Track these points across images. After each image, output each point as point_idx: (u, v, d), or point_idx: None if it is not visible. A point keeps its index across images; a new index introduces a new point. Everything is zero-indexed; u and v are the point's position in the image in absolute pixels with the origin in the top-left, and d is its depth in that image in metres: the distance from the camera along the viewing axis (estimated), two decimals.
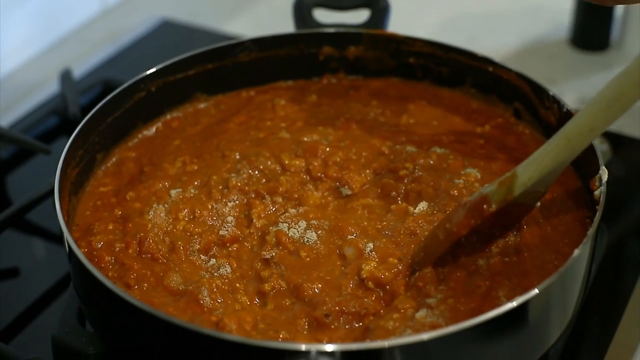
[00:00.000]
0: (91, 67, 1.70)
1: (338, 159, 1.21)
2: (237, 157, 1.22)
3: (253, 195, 1.16)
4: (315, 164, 1.20)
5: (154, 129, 1.30)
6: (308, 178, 1.19)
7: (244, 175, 1.18)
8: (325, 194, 1.17)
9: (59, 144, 1.49)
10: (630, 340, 1.17)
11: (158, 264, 1.07)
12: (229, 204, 1.15)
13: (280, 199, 1.15)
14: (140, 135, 1.28)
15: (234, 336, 0.93)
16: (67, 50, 1.79)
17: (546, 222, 1.09)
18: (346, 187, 1.17)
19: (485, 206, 1.03)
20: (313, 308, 1.01)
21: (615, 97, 0.97)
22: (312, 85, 1.38)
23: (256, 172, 1.19)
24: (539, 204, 1.08)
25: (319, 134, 1.26)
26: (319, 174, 1.19)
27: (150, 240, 1.09)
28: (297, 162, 1.20)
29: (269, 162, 1.20)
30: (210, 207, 1.14)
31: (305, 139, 1.24)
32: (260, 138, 1.25)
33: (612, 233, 1.32)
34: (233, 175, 1.18)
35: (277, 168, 1.20)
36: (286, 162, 1.20)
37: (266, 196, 1.16)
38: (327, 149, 1.22)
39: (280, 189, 1.16)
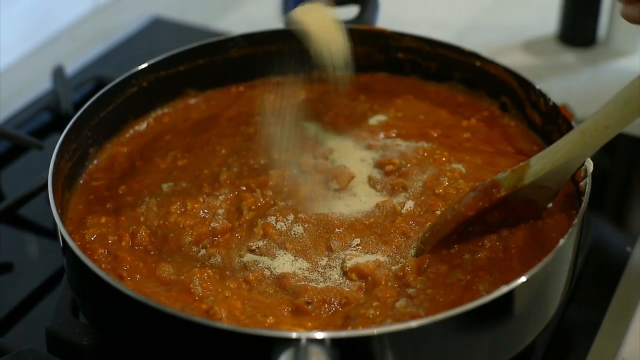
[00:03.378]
0: (83, 64, 1.71)
1: (327, 154, 1.22)
2: (227, 151, 1.23)
3: (244, 189, 1.17)
4: (305, 158, 1.21)
5: (145, 124, 1.31)
6: (297, 172, 1.20)
7: (235, 170, 1.19)
8: (314, 188, 1.18)
9: (51, 140, 1.50)
10: (617, 331, 1.18)
11: (150, 256, 1.08)
12: (219, 197, 1.16)
13: (270, 192, 1.17)
14: (131, 131, 1.29)
15: (226, 324, 0.94)
16: (60, 47, 1.80)
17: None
18: (334, 181, 1.18)
19: (494, 190, 1.05)
20: (295, 296, 1.03)
21: (631, 98, 0.98)
22: (300, 80, 1.39)
23: (246, 167, 1.20)
24: (550, 204, 1.09)
25: (308, 128, 1.27)
26: (308, 168, 1.20)
27: (143, 233, 1.10)
28: (287, 157, 1.21)
29: (259, 157, 1.21)
30: (201, 200, 1.15)
31: (294, 134, 1.26)
32: (250, 133, 1.27)
33: (599, 225, 1.33)
34: (224, 169, 1.20)
35: (267, 162, 1.21)
36: (276, 156, 1.21)
37: (256, 190, 1.17)
38: (316, 144, 1.24)
39: (270, 183, 1.17)
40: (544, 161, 1.04)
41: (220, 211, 1.14)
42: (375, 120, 1.30)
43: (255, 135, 1.26)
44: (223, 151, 1.23)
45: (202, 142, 1.26)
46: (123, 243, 1.09)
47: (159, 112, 1.33)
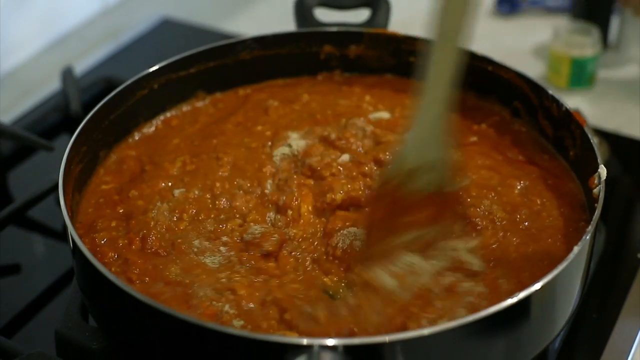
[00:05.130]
0: (92, 65, 1.71)
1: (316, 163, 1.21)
2: (230, 160, 1.22)
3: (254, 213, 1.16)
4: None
5: (153, 127, 1.31)
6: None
7: (244, 189, 1.18)
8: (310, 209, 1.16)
9: (60, 141, 1.50)
10: (629, 337, 1.18)
11: (160, 260, 1.07)
12: (230, 222, 1.14)
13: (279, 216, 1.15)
14: (140, 133, 1.29)
15: (237, 330, 0.94)
16: (69, 48, 1.80)
17: (535, 230, 1.10)
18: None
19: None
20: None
21: None
22: (305, 82, 1.38)
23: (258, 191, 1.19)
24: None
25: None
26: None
27: (153, 237, 1.09)
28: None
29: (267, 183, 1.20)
30: (212, 216, 1.14)
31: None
32: (252, 148, 1.25)
33: (610, 232, 1.33)
34: (240, 192, 1.17)
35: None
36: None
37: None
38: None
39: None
40: (405, 145, 1.03)
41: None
42: (377, 115, 1.30)
43: (257, 150, 1.24)
44: (225, 159, 1.22)
45: (209, 148, 1.25)
46: (133, 247, 1.09)
47: (168, 114, 1.32)
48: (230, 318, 0.98)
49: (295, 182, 1.17)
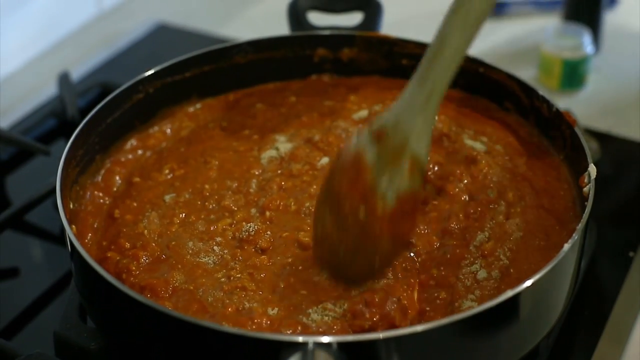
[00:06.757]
0: (88, 70, 1.71)
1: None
2: (219, 163, 1.23)
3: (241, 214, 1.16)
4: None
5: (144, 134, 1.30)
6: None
7: (232, 190, 1.19)
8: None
9: (57, 145, 1.50)
10: (620, 335, 1.19)
11: (157, 261, 1.08)
12: (221, 221, 1.15)
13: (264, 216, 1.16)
14: (127, 145, 1.29)
15: (233, 328, 0.95)
16: (65, 53, 1.81)
17: (529, 227, 1.11)
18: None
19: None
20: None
21: None
22: (293, 84, 1.39)
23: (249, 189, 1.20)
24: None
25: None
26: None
27: (154, 244, 1.10)
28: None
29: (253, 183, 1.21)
30: (202, 216, 1.15)
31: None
32: (241, 151, 1.26)
33: (602, 231, 1.34)
34: (229, 193, 1.18)
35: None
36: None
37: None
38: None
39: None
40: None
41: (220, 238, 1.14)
42: (359, 114, 1.31)
43: (245, 154, 1.26)
44: (215, 162, 1.24)
45: (197, 153, 1.26)
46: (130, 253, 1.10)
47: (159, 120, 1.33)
48: (255, 309, 1.01)
49: (276, 183, 1.19)
